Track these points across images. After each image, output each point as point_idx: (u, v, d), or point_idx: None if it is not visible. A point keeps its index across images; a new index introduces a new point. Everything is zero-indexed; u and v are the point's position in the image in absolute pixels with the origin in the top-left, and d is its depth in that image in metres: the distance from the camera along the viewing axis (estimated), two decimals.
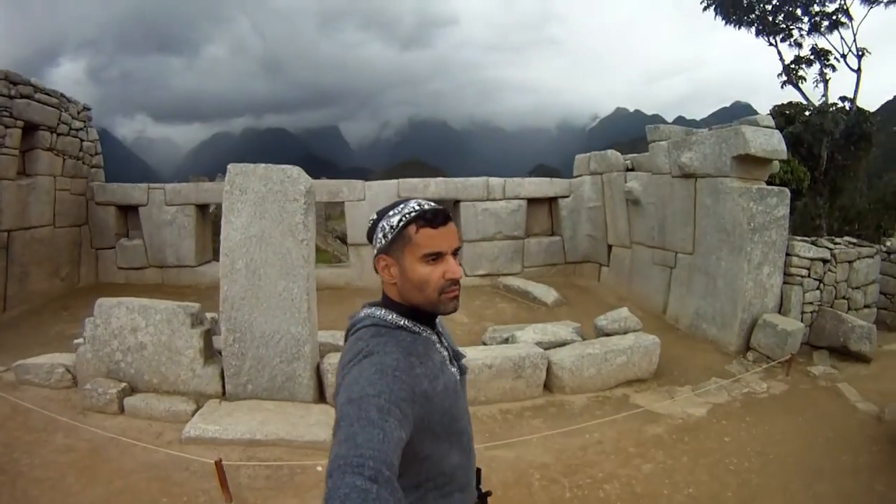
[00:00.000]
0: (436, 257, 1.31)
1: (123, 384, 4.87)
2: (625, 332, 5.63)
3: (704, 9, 14.47)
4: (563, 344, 5.34)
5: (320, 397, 4.89)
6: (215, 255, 10.83)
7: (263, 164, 4.86)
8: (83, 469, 3.86)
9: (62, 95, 9.49)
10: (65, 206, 9.56)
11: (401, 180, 9.40)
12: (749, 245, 6.15)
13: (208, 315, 5.47)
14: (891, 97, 40.47)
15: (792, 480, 3.83)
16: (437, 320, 1.45)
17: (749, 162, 6.22)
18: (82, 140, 10.08)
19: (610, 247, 9.19)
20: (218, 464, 3.42)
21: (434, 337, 1.41)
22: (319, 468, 3.82)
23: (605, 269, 9.38)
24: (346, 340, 1.41)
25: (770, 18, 14.03)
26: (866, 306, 7.17)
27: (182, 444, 4.20)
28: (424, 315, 1.37)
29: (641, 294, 8.08)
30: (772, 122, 6.40)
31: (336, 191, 9.59)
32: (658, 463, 4.00)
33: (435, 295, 1.31)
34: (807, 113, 11.45)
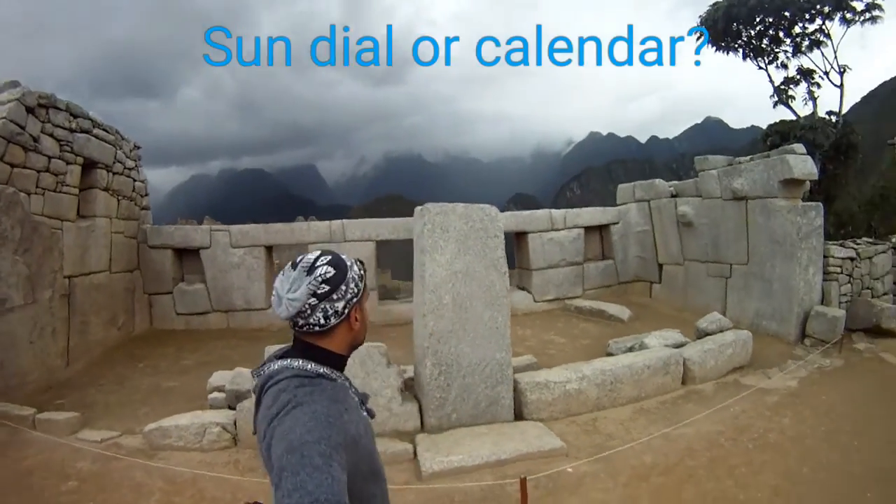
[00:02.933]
0: None
1: None
2: (721, 331, 7.65)
3: (698, 38, 16.59)
4: (681, 345, 7.29)
5: (515, 416, 5.81)
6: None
7: (462, 204, 5.77)
8: None
9: (117, 132, 9.62)
10: (119, 250, 9.57)
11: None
12: (799, 251, 8.36)
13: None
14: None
15: (877, 410, 6.09)
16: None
17: (792, 184, 8.48)
18: (134, 180, 10.23)
19: (661, 265, 11.37)
20: (523, 481, 3.90)
21: (346, 383, 1.60)
22: (570, 469, 4.76)
23: (656, 286, 11.57)
24: (260, 394, 1.53)
25: (756, 43, 16.38)
26: (885, 293, 9.55)
27: (423, 480, 4.65)
28: (339, 362, 1.59)
29: (698, 304, 10.12)
30: (804, 150, 8.72)
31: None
32: (790, 417, 6.00)
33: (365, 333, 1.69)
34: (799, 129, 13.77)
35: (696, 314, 9.10)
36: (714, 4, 16.24)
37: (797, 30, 15.80)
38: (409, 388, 5.95)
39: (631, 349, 7.39)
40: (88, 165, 8.73)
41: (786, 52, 16.43)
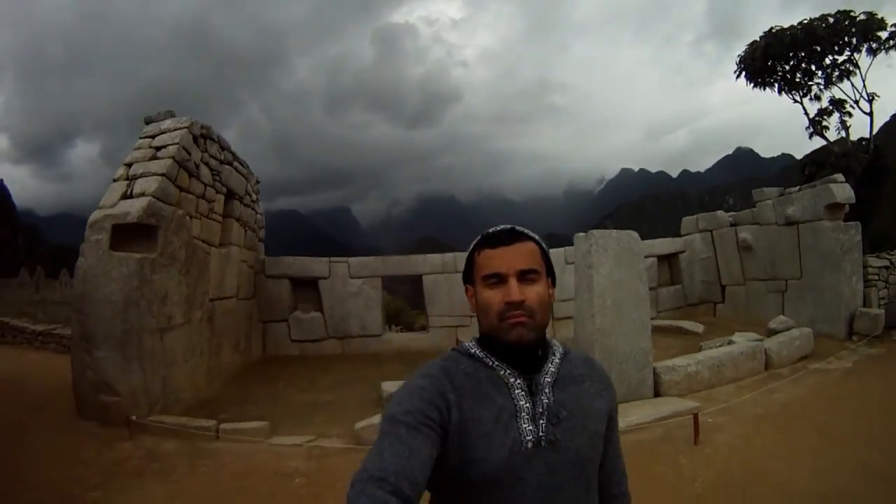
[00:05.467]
0: (496, 280, 1.41)
1: None
2: (787, 329, 10.37)
3: (738, 76, 19.20)
4: (760, 340, 9.96)
5: (654, 394, 8.03)
6: (389, 324, 13.19)
7: (615, 230, 8.03)
8: None
9: (248, 166, 10.62)
10: (243, 278, 10.36)
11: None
12: (843, 263, 11.20)
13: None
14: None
15: None
16: (553, 369, 1.47)
17: (835, 207, 11.37)
18: (256, 212, 11.32)
19: (723, 287, 14.17)
20: (695, 415, 6.32)
21: (515, 380, 1.43)
22: (710, 420, 6.91)
23: (720, 305, 14.37)
24: None
25: (790, 77, 18.57)
26: None
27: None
28: (505, 350, 1.42)
29: (759, 316, 12.67)
30: (843, 178, 11.66)
31: None
32: (853, 382, 8.71)
33: (496, 320, 1.40)
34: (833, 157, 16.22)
35: (758, 325, 11.61)
36: (752, 44, 18.65)
37: (827, 62, 18.01)
38: None
39: (720, 347, 10.04)
40: (228, 196, 9.63)
41: (818, 83, 18.59)
